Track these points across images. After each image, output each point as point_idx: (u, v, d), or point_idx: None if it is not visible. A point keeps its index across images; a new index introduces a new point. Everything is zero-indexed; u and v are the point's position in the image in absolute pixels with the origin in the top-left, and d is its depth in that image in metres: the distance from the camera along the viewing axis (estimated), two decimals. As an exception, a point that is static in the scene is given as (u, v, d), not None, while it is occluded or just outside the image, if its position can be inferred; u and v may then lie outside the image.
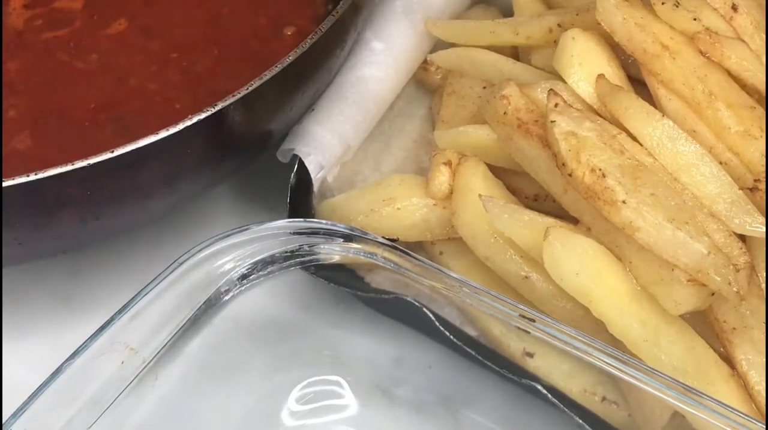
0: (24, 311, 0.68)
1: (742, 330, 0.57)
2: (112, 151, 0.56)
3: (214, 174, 0.65)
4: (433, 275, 0.57)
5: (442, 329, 0.58)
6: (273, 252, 0.59)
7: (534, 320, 0.55)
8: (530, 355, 0.58)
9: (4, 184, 0.54)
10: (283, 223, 0.60)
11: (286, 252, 0.60)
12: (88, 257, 0.69)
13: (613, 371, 0.55)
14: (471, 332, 0.61)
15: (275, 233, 0.59)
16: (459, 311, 0.61)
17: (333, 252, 0.60)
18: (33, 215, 0.58)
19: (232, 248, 0.59)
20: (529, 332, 0.56)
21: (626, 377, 0.54)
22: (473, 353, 0.59)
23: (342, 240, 0.59)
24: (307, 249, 0.60)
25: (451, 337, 0.58)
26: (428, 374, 0.62)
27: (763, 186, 0.59)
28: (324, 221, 0.59)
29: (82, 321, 0.67)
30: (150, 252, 0.70)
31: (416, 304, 0.59)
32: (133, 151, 0.56)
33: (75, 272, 0.69)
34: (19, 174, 0.54)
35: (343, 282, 0.62)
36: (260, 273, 0.60)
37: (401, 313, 0.61)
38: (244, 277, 0.59)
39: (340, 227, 0.59)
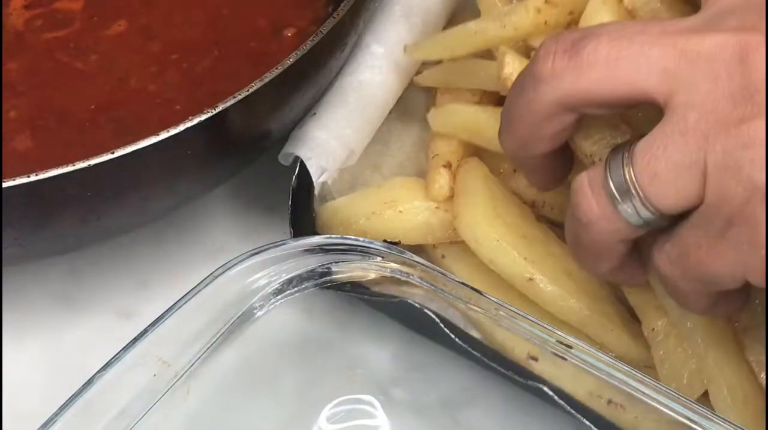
0: (24, 311, 0.68)
1: (754, 328, 0.57)
2: (113, 152, 0.56)
3: (214, 175, 0.65)
4: (470, 297, 0.57)
5: (447, 331, 0.58)
6: (307, 268, 0.59)
7: (571, 347, 0.56)
8: (534, 358, 0.58)
9: (4, 184, 0.54)
10: (319, 239, 0.60)
11: (321, 269, 0.60)
12: (88, 257, 0.69)
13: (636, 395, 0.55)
14: (475, 334, 0.61)
15: (310, 249, 0.59)
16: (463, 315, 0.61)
17: (368, 270, 0.59)
18: (33, 215, 0.58)
19: (266, 264, 0.58)
20: (566, 359, 0.56)
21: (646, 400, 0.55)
22: (479, 355, 0.59)
23: (379, 259, 0.59)
24: (342, 266, 0.60)
25: (456, 339, 0.58)
26: (463, 398, 0.62)
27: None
28: (361, 239, 0.59)
29: (82, 321, 0.67)
30: (150, 252, 0.70)
31: (418, 306, 0.59)
32: (133, 152, 0.56)
33: (75, 272, 0.69)
34: (20, 175, 0.54)
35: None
36: (294, 289, 0.60)
37: (404, 315, 0.61)
38: (277, 292, 0.59)
39: (377, 245, 0.59)
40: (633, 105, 0.51)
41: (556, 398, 0.57)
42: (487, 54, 0.68)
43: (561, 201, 0.65)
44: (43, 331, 0.67)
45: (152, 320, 0.56)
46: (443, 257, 0.65)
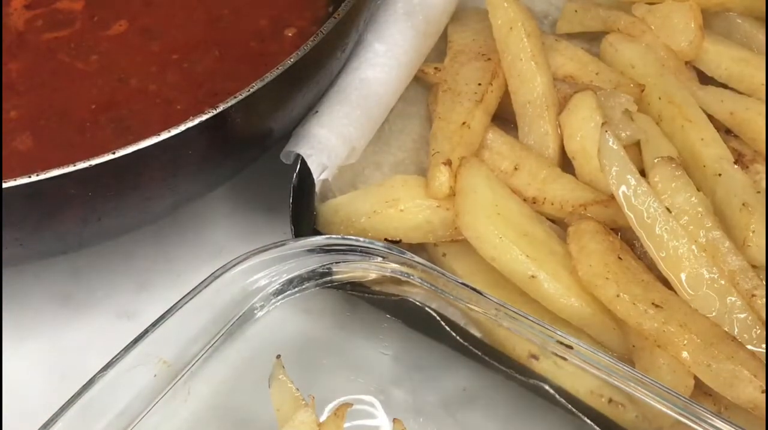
0: (24, 311, 0.68)
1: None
2: (114, 152, 0.56)
3: (214, 175, 0.65)
4: (470, 297, 0.58)
5: (448, 329, 0.58)
6: (308, 269, 0.60)
7: (571, 347, 0.56)
8: (535, 357, 0.58)
9: (6, 184, 0.54)
10: (320, 239, 0.60)
11: (322, 269, 0.60)
12: (88, 257, 0.69)
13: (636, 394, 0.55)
14: (476, 332, 0.61)
15: (311, 249, 0.59)
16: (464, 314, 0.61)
17: (369, 270, 0.59)
18: (34, 215, 0.58)
19: (267, 264, 0.59)
20: (566, 359, 0.56)
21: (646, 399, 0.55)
22: (480, 354, 0.59)
23: (380, 259, 0.59)
24: (343, 267, 0.60)
25: (457, 337, 0.59)
26: (463, 398, 0.62)
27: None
28: (362, 239, 0.59)
29: (82, 321, 0.67)
30: (151, 252, 0.70)
31: (419, 304, 0.59)
32: (134, 152, 0.56)
33: (75, 272, 0.69)
34: (21, 175, 0.55)
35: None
36: (295, 289, 0.60)
37: (405, 313, 0.61)
38: (278, 293, 0.59)
39: (378, 245, 0.59)
40: None
41: (557, 396, 0.57)
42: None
43: (561, 197, 0.65)
44: (43, 331, 0.67)
45: (153, 321, 0.56)
46: (444, 255, 0.65)
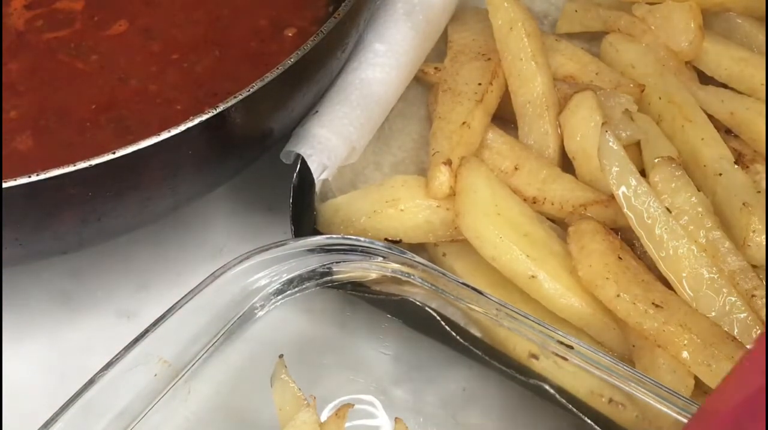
0: (24, 311, 0.68)
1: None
2: (114, 152, 0.56)
3: (215, 175, 0.65)
4: (470, 297, 0.58)
5: (448, 329, 0.59)
6: (308, 268, 0.60)
7: (572, 347, 0.56)
8: (536, 357, 0.58)
9: (5, 184, 0.54)
10: (320, 239, 0.60)
11: (322, 269, 0.60)
12: (88, 257, 0.69)
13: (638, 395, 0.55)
14: (476, 332, 0.61)
15: (311, 248, 0.59)
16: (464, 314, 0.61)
17: (369, 270, 0.60)
18: (34, 215, 0.58)
19: (267, 263, 0.59)
20: (566, 359, 0.56)
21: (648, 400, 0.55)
22: (480, 353, 0.59)
23: (380, 259, 0.59)
24: (344, 266, 0.60)
25: (457, 337, 0.59)
26: (463, 398, 0.62)
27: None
28: (362, 239, 0.59)
29: (82, 321, 0.67)
30: (151, 252, 0.70)
31: (419, 304, 0.59)
32: (134, 152, 0.56)
33: (75, 272, 0.69)
34: (20, 175, 0.55)
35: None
36: (295, 289, 0.60)
37: (405, 313, 0.61)
38: (278, 292, 0.59)
39: (378, 245, 0.59)
40: None
41: (557, 396, 0.57)
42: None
43: (561, 197, 0.65)
44: (43, 331, 0.67)
45: (153, 321, 0.56)
46: (444, 255, 0.65)
